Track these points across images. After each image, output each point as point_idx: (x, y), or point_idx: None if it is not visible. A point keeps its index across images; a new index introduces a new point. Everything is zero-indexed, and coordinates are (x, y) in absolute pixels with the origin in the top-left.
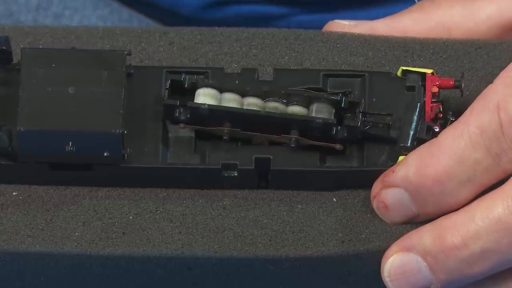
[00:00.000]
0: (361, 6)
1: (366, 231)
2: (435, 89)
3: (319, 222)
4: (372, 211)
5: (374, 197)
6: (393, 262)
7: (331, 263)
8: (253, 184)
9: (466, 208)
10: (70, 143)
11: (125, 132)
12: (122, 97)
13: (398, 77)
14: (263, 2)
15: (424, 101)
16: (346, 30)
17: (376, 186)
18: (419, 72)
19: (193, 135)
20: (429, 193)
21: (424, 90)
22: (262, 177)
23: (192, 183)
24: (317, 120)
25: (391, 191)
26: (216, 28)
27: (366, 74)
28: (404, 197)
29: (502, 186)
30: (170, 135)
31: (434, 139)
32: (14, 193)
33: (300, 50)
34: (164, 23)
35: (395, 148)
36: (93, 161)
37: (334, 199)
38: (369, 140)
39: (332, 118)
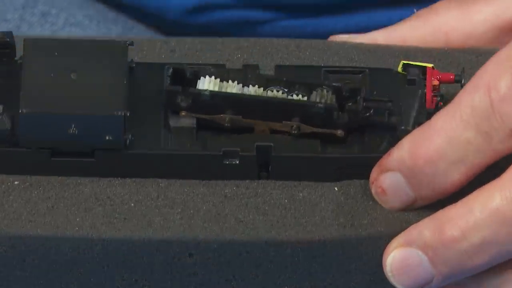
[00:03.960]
0: (343, 12)
1: (368, 217)
2: (436, 82)
3: (320, 209)
4: (374, 198)
5: (372, 182)
6: (394, 257)
7: (332, 248)
8: (254, 173)
9: (464, 200)
10: (73, 125)
11: (127, 114)
12: (125, 82)
13: (399, 72)
14: (247, 7)
15: (425, 91)
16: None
17: (374, 171)
18: (420, 65)
19: (194, 125)
20: (422, 174)
21: (425, 82)
22: (263, 167)
23: (193, 172)
24: (319, 104)
25: (388, 175)
26: (218, 38)
27: (367, 70)
28: (399, 181)
29: (500, 177)
30: (171, 125)
31: (427, 121)
32: (15, 182)
33: (301, 57)
34: (149, 27)
35: (396, 132)
36: (95, 146)
37: (336, 188)
38: (370, 129)
39: (334, 102)
